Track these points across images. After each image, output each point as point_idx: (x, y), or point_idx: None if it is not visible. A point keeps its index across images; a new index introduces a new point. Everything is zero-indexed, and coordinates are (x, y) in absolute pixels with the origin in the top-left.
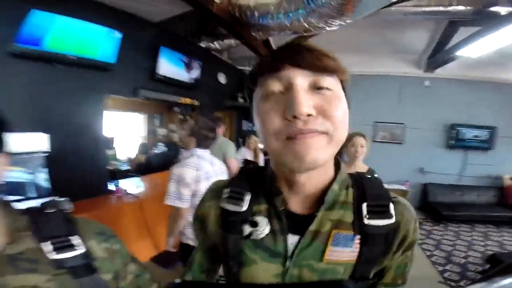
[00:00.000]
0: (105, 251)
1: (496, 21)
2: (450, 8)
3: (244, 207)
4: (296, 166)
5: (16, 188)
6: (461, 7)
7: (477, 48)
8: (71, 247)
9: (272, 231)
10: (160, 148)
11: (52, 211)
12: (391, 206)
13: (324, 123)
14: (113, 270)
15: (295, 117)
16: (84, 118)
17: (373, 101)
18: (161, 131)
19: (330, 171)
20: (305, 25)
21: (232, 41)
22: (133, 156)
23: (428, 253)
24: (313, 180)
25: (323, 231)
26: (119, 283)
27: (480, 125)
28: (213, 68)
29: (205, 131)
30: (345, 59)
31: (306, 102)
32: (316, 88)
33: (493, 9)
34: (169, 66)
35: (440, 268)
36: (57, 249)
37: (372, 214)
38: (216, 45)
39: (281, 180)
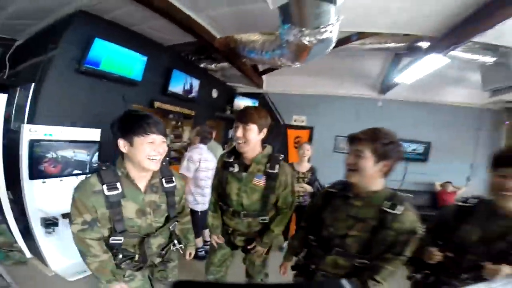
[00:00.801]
0: (180, 185)
1: (421, 52)
2: (386, 45)
3: (231, 160)
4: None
5: (80, 165)
6: (394, 44)
7: (408, 75)
8: (172, 182)
9: (238, 170)
10: None
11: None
12: (277, 166)
13: (244, 139)
14: (179, 196)
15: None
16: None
17: (336, 118)
18: None
19: (258, 150)
20: (278, 62)
21: (225, 64)
22: None
23: None
24: (249, 154)
25: (253, 172)
26: (179, 203)
27: (418, 140)
28: (209, 85)
29: (205, 133)
30: (316, 81)
31: (239, 133)
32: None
33: (418, 44)
34: (177, 84)
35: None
36: (167, 182)
37: (270, 168)
38: (212, 66)
39: (242, 155)
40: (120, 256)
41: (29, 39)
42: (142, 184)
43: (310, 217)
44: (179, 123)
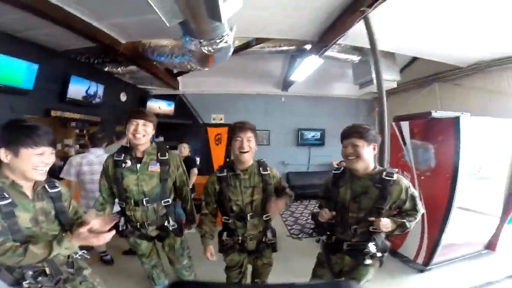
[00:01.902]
0: (64, 190)
1: (305, 54)
2: (280, 48)
3: (122, 157)
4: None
5: None
6: (287, 47)
7: (299, 74)
8: (56, 187)
9: (131, 163)
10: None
11: None
12: (167, 153)
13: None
14: (67, 201)
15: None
16: None
17: (249, 114)
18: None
19: (148, 144)
20: (188, 66)
21: (134, 67)
22: None
23: (284, 219)
24: (143, 147)
25: (146, 161)
26: (69, 208)
27: (315, 128)
28: (116, 89)
29: (96, 137)
30: (229, 81)
31: (140, 129)
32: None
33: (305, 46)
34: (77, 90)
35: (289, 228)
36: (50, 188)
37: (160, 156)
38: (118, 70)
39: (133, 150)
40: (30, 272)
41: None
42: (28, 192)
43: (212, 202)
44: (84, 131)
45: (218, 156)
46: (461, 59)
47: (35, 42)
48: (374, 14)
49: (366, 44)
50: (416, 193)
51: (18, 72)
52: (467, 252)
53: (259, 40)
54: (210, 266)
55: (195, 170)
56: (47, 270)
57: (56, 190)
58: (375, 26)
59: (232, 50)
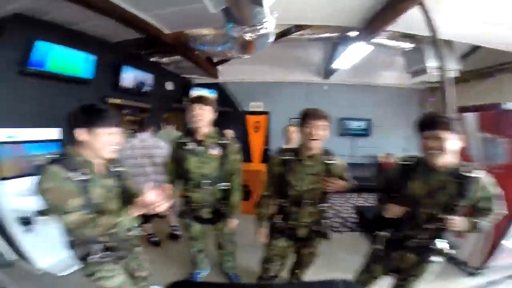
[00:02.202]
0: (126, 170)
1: (350, 42)
2: (322, 35)
3: (185, 140)
4: None
5: None
6: (328, 34)
7: (343, 62)
8: (120, 166)
9: (193, 146)
10: None
11: None
12: (229, 139)
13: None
14: (129, 179)
15: None
16: None
17: (289, 102)
18: None
19: (208, 128)
20: (229, 54)
21: (178, 57)
22: None
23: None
24: (202, 130)
25: (207, 145)
26: (130, 187)
27: (360, 117)
28: (162, 78)
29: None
30: (268, 69)
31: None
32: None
33: (349, 33)
34: (128, 79)
35: (328, 221)
36: (116, 167)
37: (220, 139)
38: (164, 60)
39: (195, 134)
40: (96, 247)
41: None
42: (100, 169)
43: (273, 184)
44: (136, 118)
45: (256, 143)
46: None
47: (90, 34)
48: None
49: (419, 31)
50: (497, 192)
51: (79, 63)
52: None
53: (299, 27)
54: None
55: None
56: (111, 245)
57: (121, 169)
58: (431, 12)
59: (273, 37)
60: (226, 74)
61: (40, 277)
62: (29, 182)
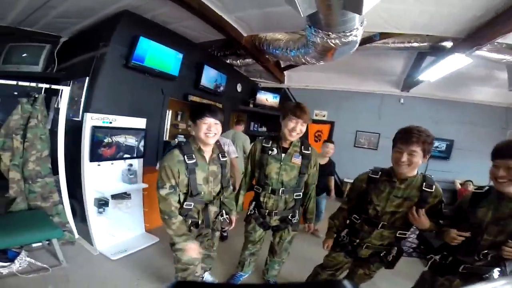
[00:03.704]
0: (229, 161)
1: (444, 52)
2: (409, 45)
3: (269, 145)
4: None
5: (129, 149)
6: (417, 44)
7: (432, 74)
8: (225, 157)
9: (277, 152)
10: (179, 138)
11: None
12: (309, 148)
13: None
14: (228, 169)
15: None
16: (158, 110)
17: (357, 113)
18: (181, 125)
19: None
20: (302, 60)
21: (249, 60)
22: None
23: None
24: (289, 140)
25: (291, 153)
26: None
27: (440, 137)
28: (234, 80)
29: None
30: (337, 77)
31: (298, 128)
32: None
33: (442, 43)
34: (207, 78)
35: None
36: (222, 156)
37: (304, 149)
38: (237, 62)
39: (280, 140)
40: (190, 221)
41: (74, 36)
42: (207, 157)
43: (353, 199)
44: None
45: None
46: None
47: (179, 33)
48: None
49: None
50: None
51: (169, 60)
52: None
53: (384, 35)
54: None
55: None
56: (200, 222)
57: (224, 159)
58: None
59: (357, 45)
60: (292, 79)
61: (94, 258)
62: (116, 166)
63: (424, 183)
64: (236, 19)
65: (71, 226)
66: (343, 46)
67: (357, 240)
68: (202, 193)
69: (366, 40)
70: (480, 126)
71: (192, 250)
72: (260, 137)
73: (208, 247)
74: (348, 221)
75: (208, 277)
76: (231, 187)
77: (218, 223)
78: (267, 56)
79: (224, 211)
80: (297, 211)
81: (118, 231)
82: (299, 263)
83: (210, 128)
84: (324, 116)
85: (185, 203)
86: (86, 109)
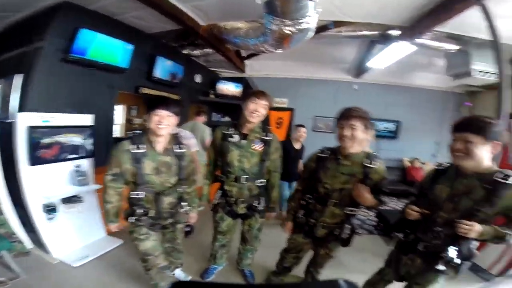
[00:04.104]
0: (188, 153)
1: (392, 40)
2: (361, 33)
3: (230, 131)
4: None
5: (75, 149)
6: (368, 32)
7: (380, 61)
8: (182, 148)
9: (238, 139)
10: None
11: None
12: (270, 134)
13: (259, 113)
14: (187, 161)
15: None
16: (106, 105)
17: (315, 100)
18: (137, 120)
19: (255, 125)
20: (261, 48)
21: (209, 50)
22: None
23: None
24: (250, 126)
25: (251, 139)
26: (187, 168)
27: (389, 119)
28: (192, 70)
29: None
30: (296, 66)
31: (259, 109)
32: (261, 105)
33: (390, 32)
34: (161, 70)
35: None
36: (178, 148)
37: (265, 135)
38: (195, 52)
39: (241, 126)
40: (141, 210)
41: (6, 30)
42: (159, 147)
43: (305, 180)
44: None
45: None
46: None
47: (129, 24)
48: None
49: (469, 33)
50: None
51: (117, 52)
52: None
53: (337, 24)
54: (264, 250)
55: None
56: (153, 213)
57: (181, 151)
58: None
59: (312, 32)
60: (253, 68)
61: (54, 266)
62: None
63: (367, 159)
64: (193, 8)
65: (20, 236)
66: (298, 33)
67: (313, 220)
68: (152, 183)
69: (322, 28)
70: (424, 109)
71: (113, 228)
72: (221, 125)
73: (172, 240)
74: (303, 202)
75: (180, 274)
76: (194, 185)
77: (179, 215)
78: (227, 46)
79: (184, 204)
80: (262, 198)
81: (75, 236)
82: (273, 250)
83: (161, 120)
84: (284, 103)
85: (131, 192)
86: (20, 109)
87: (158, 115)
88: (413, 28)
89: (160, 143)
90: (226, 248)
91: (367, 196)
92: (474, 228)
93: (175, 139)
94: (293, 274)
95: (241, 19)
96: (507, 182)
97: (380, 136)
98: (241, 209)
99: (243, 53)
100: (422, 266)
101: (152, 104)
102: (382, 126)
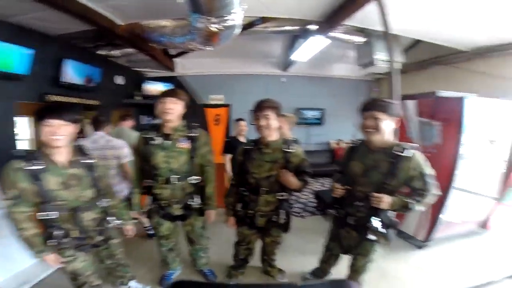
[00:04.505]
0: (99, 163)
1: (310, 34)
2: (284, 28)
3: (151, 135)
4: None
5: None
6: (290, 27)
7: (301, 54)
8: (90, 159)
9: (161, 140)
10: None
11: None
12: (196, 130)
13: (173, 111)
14: (100, 173)
15: None
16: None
17: (249, 94)
18: None
19: (177, 122)
20: (190, 46)
21: (130, 50)
22: None
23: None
24: (170, 124)
25: (176, 138)
26: (102, 180)
27: (315, 107)
28: (112, 72)
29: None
30: (229, 62)
31: (169, 107)
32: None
33: (309, 27)
34: (72, 74)
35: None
36: (85, 159)
37: (190, 132)
38: (114, 53)
39: (162, 127)
40: (60, 232)
41: None
42: (61, 159)
43: (237, 174)
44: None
45: (217, 136)
46: (463, 43)
47: (29, 27)
48: None
49: (371, 26)
50: (429, 172)
51: (11, 58)
52: (463, 230)
53: (264, 20)
54: (220, 247)
55: None
56: (76, 233)
57: (90, 161)
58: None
59: (239, 29)
60: (184, 67)
61: None
62: None
63: (285, 145)
64: (107, 7)
65: None
66: (225, 30)
67: (251, 211)
68: (62, 199)
69: (250, 24)
70: (342, 96)
71: (50, 261)
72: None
73: (110, 256)
74: (239, 195)
75: (136, 285)
76: (114, 195)
77: (109, 231)
78: (152, 45)
79: (113, 218)
80: (197, 196)
81: (5, 263)
82: (231, 245)
83: (55, 131)
84: (221, 100)
85: (38, 214)
86: None
87: (49, 125)
88: (327, 22)
89: (61, 155)
90: (175, 252)
91: (292, 179)
92: (383, 200)
93: (79, 150)
94: (252, 265)
95: (165, 18)
96: (403, 154)
97: (308, 123)
98: (176, 210)
99: (172, 52)
100: (358, 237)
101: (39, 114)
102: (309, 114)
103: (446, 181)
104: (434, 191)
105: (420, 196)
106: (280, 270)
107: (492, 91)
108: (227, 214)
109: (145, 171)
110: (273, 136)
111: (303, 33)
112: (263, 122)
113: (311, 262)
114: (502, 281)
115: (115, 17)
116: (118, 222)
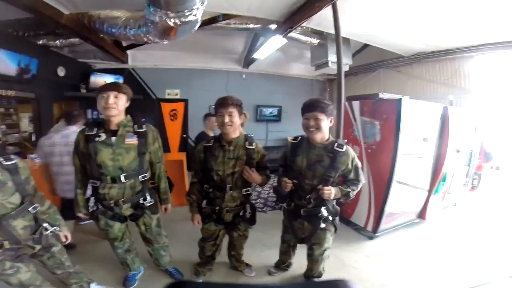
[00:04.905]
0: (22, 165)
1: (270, 33)
2: (247, 26)
3: (94, 132)
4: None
5: None
6: (253, 25)
7: (261, 52)
8: (11, 160)
9: (106, 137)
10: None
11: None
12: (144, 126)
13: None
14: (25, 175)
15: None
16: None
17: (208, 89)
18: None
19: (123, 116)
20: (144, 39)
21: (75, 40)
22: None
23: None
24: (115, 120)
25: (123, 134)
26: (28, 184)
27: (273, 104)
28: (52, 63)
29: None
30: (188, 56)
31: (111, 101)
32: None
33: (269, 26)
34: (4, 65)
35: (252, 202)
36: (5, 160)
37: (138, 128)
38: (56, 43)
39: (106, 123)
40: None
41: None
42: None
43: (198, 171)
44: (11, 110)
45: (173, 131)
46: (404, 49)
47: None
48: (340, 2)
49: (327, 29)
50: (359, 164)
51: None
52: (404, 221)
53: (226, 16)
54: (183, 245)
55: None
56: (6, 244)
57: (11, 162)
58: (339, 12)
59: (198, 24)
60: (137, 59)
61: None
62: None
63: (247, 142)
64: None
65: None
66: (183, 25)
67: (217, 207)
68: None
69: (212, 20)
70: (297, 94)
71: None
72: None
73: (59, 265)
74: (203, 192)
75: None
76: (44, 198)
77: (47, 239)
78: (101, 35)
79: (46, 225)
80: (148, 194)
81: None
82: (195, 242)
83: None
84: (176, 94)
85: None
86: None
87: None
88: (286, 23)
89: None
90: (134, 252)
91: (256, 176)
92: (326, 191)
93: None
94: (219, 261)
95: (114, 9)
96: (340, 150)
97: (267, 120)
98: (126, 210)
99: (124, 43)
100: (310, 227)
101: None
102: (268, 111)
103: (387, 174)
104: (363, 180)
105: (354, 185)
106: (247, 265)
107: (428, 94)
108: (191, 212)
109: (87, 170)
110: (236, 133)
111: (264, 32)
112: (226, 119)
113: (276, 255)
114: (502, 281)
115: (60, 6)
116: (53, 228)
